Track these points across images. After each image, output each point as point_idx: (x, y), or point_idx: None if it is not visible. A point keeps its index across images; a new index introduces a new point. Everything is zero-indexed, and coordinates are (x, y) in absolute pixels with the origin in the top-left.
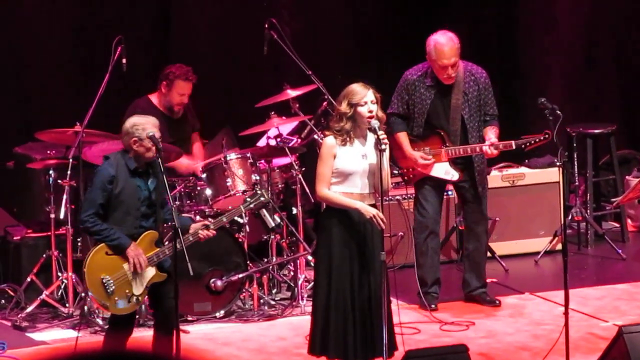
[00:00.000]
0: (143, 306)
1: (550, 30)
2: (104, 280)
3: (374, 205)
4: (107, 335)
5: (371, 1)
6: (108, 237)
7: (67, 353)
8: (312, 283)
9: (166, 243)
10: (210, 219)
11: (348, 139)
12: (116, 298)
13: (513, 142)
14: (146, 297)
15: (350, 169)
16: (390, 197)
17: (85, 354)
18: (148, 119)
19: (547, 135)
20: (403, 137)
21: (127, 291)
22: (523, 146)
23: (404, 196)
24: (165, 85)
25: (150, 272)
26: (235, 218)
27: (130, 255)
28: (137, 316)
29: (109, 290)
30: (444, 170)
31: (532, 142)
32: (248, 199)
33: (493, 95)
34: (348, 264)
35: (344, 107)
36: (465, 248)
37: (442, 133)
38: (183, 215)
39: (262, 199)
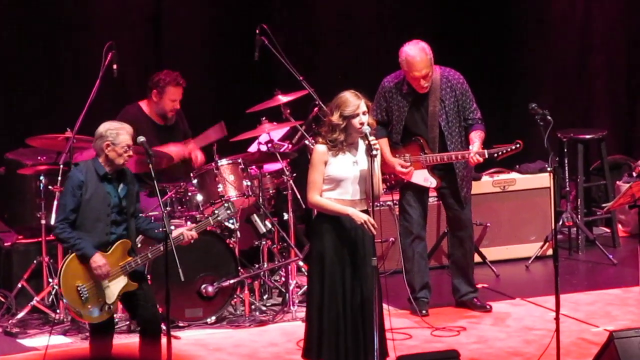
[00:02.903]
0: None
1: (543, 35)
2: (79, 288)
3: (366, 211)
4: (91, 341)
5: (365, 5)
6: (75, 246)
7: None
8: (306, 288)
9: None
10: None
11: (341, 148)
12: (89, 306)
13: (486, 151)
14: (120, 306)
15: (341, 175)
16: (381, 203)
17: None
18: (123, 126)
19: (518, 145)
20: (383, 144)
21: (99, 299)
22: (495, 155)
23: (394, 202)
24: (157, 93)
25: (122, 281)
26: (226, 224)
27: (93, 265)
28: (128, 322)
29: (83, 298)
30: (422, 177)
31: (504, 151)
32: (216, 212)
33: (473, 100)
34: (340, 270)
35: (336, 118)
36: (450, 254)
37: (421, 140)
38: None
39: (228, 212)
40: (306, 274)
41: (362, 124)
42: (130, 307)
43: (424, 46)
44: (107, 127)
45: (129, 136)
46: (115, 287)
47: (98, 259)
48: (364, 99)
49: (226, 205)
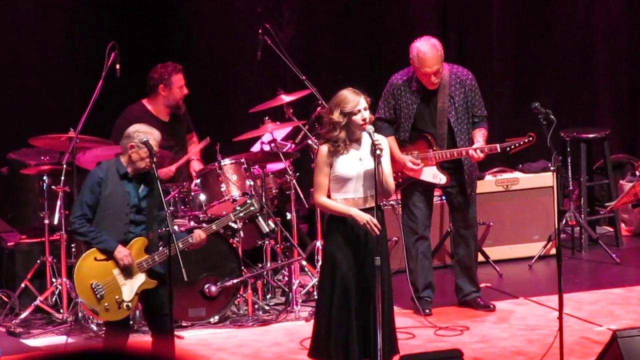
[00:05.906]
0: (137, 312)
1: (545, 35)
2: (94, 286)
3: (378, 208)
4: (104, 340)
5: (365, 5)
6: (95, 239)
7: (64, 353)
8: (317, 287)
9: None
10: (204, 225)
11: (344, 146)
12: (106, 304)
13: (498, 145)
14: (138, 304)
15: (346, 174)
16: (384, 203)
17: (84, 354)
18: (152, 131)
19: (531, 138)
20: (391, 142)
21: (117, 297)
22: (508, 149)
23: (397, 201)
24: (164, 87)
25: (140, 278)
26: (230, 224)
27: (118, 256)
28: (131, 322)
29: (98, 296)
30: (432, 174)
31: (517, 144)
32: (238, 208)
33: (480, 97)
34: (350, 269)
35: (336, 116)
36: (455, 253)
37: (429, 137)
38: (181, 230)
39: (252, 208)
40: (309, 273)
41: (364, 119)
42: (145, 309)
43: (434, 42)
44: (136, 129)
45: (154, 142)
46: (133, 284)
47: (122, 249)
48: (364, 95)
49: (249, 202)
